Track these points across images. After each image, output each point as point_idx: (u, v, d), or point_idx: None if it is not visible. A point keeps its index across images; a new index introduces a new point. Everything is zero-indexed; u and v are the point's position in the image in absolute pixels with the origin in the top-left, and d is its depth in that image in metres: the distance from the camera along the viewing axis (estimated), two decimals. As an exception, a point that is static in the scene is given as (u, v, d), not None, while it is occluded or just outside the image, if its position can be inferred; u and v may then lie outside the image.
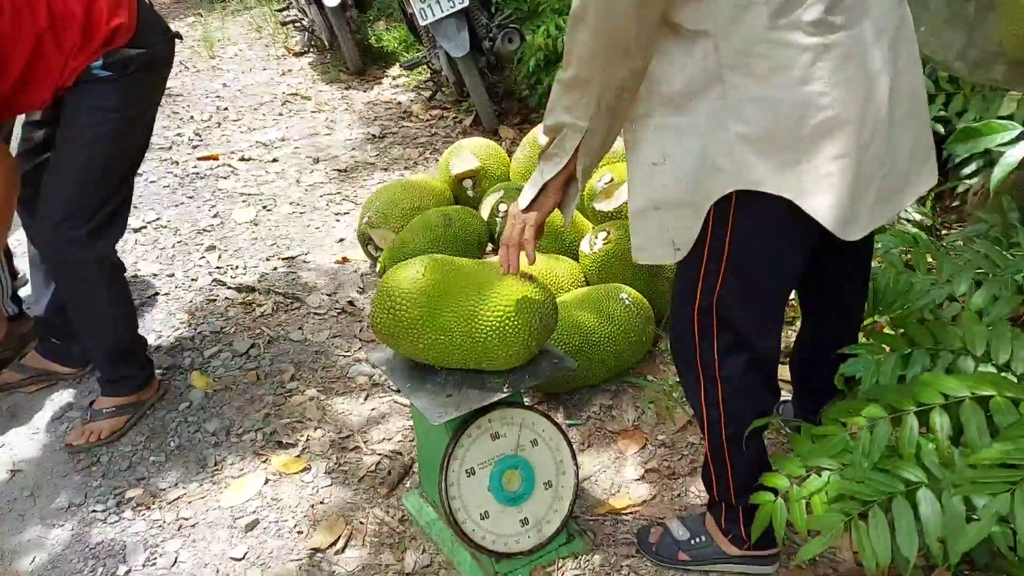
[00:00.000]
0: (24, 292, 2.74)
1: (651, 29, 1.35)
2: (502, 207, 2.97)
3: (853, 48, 1.33)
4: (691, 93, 1.38)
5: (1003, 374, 1.56)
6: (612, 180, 2.69)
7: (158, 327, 2.79)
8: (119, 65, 2.05)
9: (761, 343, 1.59)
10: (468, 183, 3.24)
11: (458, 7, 3.77)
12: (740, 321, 1.55)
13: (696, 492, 1.99)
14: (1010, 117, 2.17)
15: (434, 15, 3.75)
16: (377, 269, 2.94)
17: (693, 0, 1.32)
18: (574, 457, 1.86)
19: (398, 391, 2.39)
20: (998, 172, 2.04)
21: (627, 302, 2.36)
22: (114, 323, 2.25)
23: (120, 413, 2.30)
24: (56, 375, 2.53)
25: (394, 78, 5.20)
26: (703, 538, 1.79)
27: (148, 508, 2.06)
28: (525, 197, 1.59)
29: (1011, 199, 2.26)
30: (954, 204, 2.89)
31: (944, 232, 2.77)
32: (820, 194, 1.36)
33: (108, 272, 2.22)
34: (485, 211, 3.04)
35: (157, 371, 2.49)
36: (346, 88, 5.12)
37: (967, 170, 2.68)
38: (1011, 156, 2.01)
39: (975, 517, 1.28)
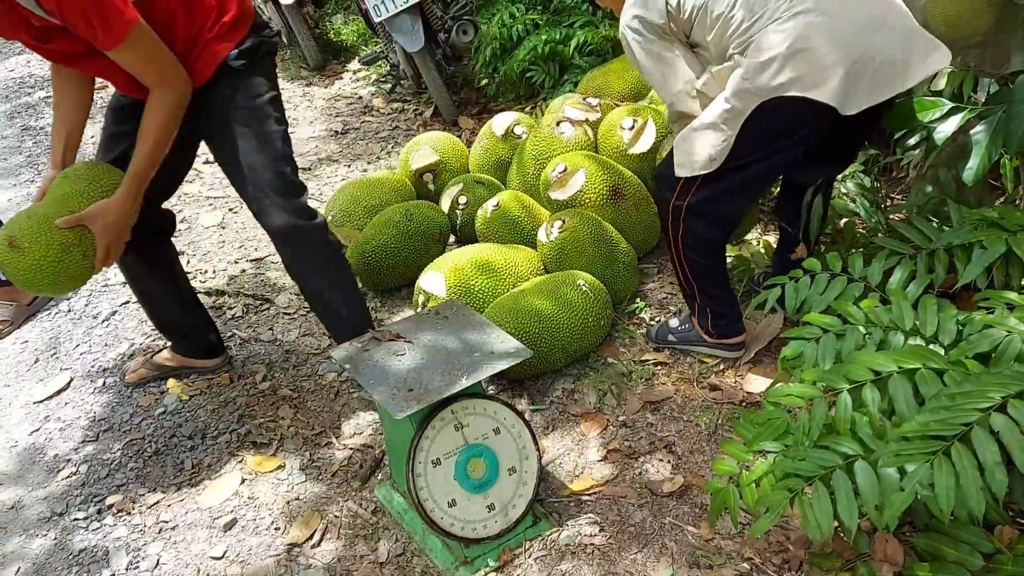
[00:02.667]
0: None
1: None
2: (462, 199, 3.03)
3: None
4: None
5: (931, 346, 1.66)
6: (566, 169, 2.75)
7: (130, 335, 2.83)
8: (250, 52, 2.06)
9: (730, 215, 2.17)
10: (428, 177, 3.30)
11: (411, 2, 3.80)
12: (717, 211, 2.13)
13: (655, 469, 2.08)
14: (940, 92, 2.26)
15: (388, 11, 3.79)
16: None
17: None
18: (536, 443, 1.94)
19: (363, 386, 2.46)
20: (932, 146, 2.13)
21: (584, 288, 2.44)
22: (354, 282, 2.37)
23: None
24: (193, 369, 2.60)
25: (354, 72, 5.22)
26: (688, 326, 2.42)
27: (128, 513, 2.12)
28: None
29: (947, 171, 2.35)
30: (900, 175, 2.99)
31: (889, 202, 2.87)
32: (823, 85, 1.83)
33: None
34: (445, 204, 3.10)
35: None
36: (307, 84, 5.14)
37: (911, 141, 2.78)
38: (943, 130, 2.10)
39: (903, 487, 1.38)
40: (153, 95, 1.94)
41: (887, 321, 1.71)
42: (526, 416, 2.12)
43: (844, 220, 2.62)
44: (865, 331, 1.72)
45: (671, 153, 2.11)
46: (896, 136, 2.74)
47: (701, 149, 1.99)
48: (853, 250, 2.16)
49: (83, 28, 1.77)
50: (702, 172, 2.02)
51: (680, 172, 2.06)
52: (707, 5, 1.93)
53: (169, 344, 2.59)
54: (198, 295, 2.58)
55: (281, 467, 2.23)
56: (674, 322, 2.47)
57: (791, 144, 1.97)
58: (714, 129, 1.96)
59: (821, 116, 1.87)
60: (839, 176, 2.66)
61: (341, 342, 2.08)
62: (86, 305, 3.03)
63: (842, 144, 2.18)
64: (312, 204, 3.62)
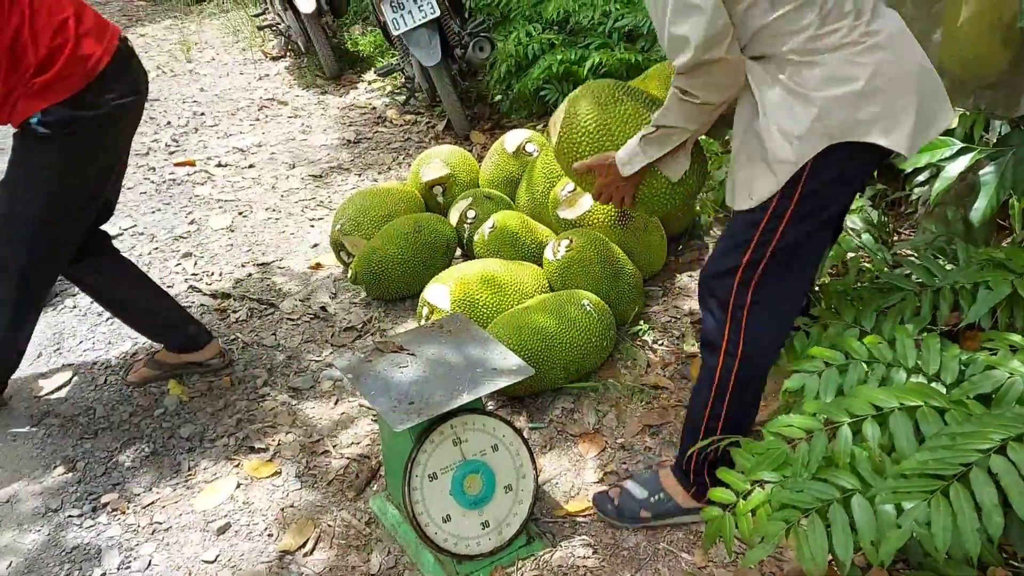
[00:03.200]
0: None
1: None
2: (470, 214, 3.05)
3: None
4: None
5: (933, 384, 1.66)
6: (575, 189, 2.77)
7: (133, 333, 2.84)
8: (57, 125, 1.99)
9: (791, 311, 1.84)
10: (438, 190, 3.32)
11: (430, 17, 3.83)
12: (783, 284, 1.77)
13: (651, 493, 2.08)
14: (952, 132, 2.28)
15: (406, 25, 3.82)
16: (349, 276, 3.00)
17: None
18: (533, 461, 1.94)
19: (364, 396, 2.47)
20: (939, 185, 2.14)
21: (588, 308, 2.45)
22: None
23: None
24: (195, 365, 2.61)
25: (369, 83, 5.25)
26: (662, 495, 1.98)
27: (123, 513, 2.12)
28: (628, 168, 1.82)
29: (955, 210, 2.36)
30: (908, 211, 3.00)
31: (897, 237, 2.88)
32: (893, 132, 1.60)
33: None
34: (454, 217, 3.11)
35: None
36: (322, 93, 5.17)
37: (920, 178, 2.79)
38: (951, 170, 2.11)
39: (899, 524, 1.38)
40: None
41: (890, 358, 1.71)
42: (524, 434, 2.12)
43: (851, 255, 2.62)
44: (867, 367, 1.73)
45: (717, 254, 1.80)
46: (906, 172, 2.76)
47: (762, 187, 1.67)
48: (857, 283, 2.16)
49: None
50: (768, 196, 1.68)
51: (740, 205, 1.72)
52: None
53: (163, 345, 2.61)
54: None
55: (277, 473, 2.23)
56: (638, 490, 2.01)
57: (850, 195, 1.80)
58: (767, 169, 1.65)
59: (878, 162, 1.72)
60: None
61: None
62: (91, 303, 3.03)
63: None
64: (321, 212, 3.67)
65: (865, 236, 2.56)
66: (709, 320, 1.84)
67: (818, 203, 1.67)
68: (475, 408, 1.90)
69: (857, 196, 2.50)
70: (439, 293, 2.55)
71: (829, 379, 1.74)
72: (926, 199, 2.60)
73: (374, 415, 2.42)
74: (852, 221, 2.80)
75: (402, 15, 3.85)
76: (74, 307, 3.02)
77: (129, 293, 2.47)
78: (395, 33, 3.90)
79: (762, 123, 1.63)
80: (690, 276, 2.97)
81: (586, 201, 2.74)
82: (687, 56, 1.58)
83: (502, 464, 1.92)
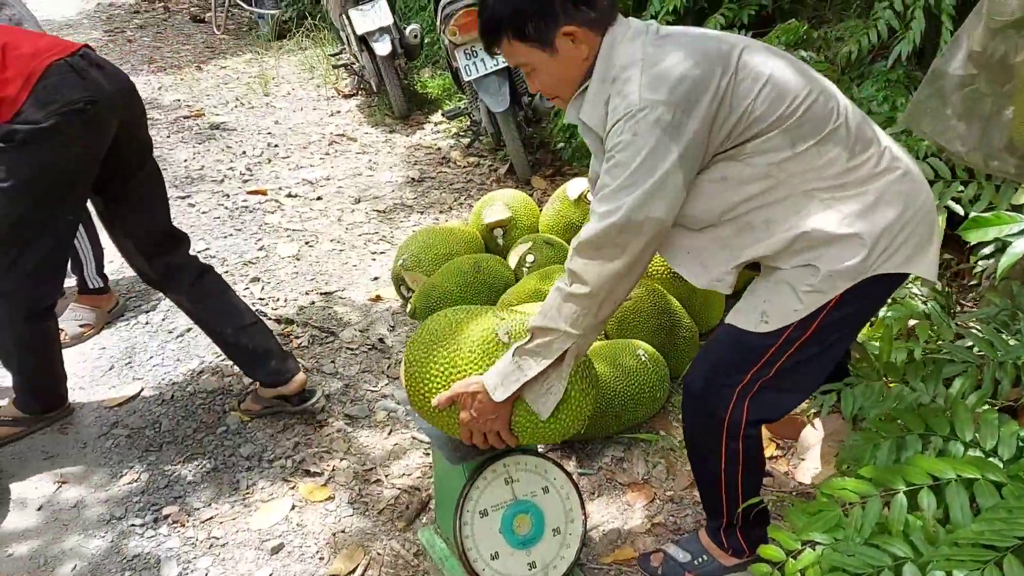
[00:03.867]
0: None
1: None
2: (529, 258, 3.11)
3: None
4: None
5: (990, 459, 1.66)
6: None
7: (202, 352, 2.96)
8: (5, 137, 2.10)
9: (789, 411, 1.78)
10: (499, 232, 3.40)
11: (501, 65, 3.96)
12: (783, 399, 1.72)
13: (698, 547, 2.08)
14: (1020, 208, 2.28)
15: (478, 72, 3.95)
16: (408, 310, 3.08)
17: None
18: (583, 506, 1.97)
19: (420, 430, 2.53)
20: (1005, 261, 2.14)
21: (643, 358, 2.48)
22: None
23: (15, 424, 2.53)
24: (282, 398, 2.60)
25: (436, 124, 5.41)
26: (705, 557, 1.95)
27: (183, 525, 2.20)
28: (500, 389, 1.62)
29: (1020, 285, 2.35)
30: (971, 283, 2.98)
31: (959, 309, 2.86)
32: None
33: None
34: (513, 260, 3.18)
35: (201, 394, 2.70)
36: (390, 131, 5.34)
37: (985, 251, 2.78)
38: (1018, 246, 2.11)
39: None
40: None
41: (947, 430, 1.71)
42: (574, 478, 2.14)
43: (914, 322, 2.61)
44: (925, 437, 1.73)
45: (714, 362, 1.72)
46: (970, 244, 2.75)
47: (781, 312, 1.61)
48: (916, 358, 2.16)
49: None
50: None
51: (746, 326, 1.65)
52: (797, 111, 1.56)
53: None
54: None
55: (331, 498, 2.29)
56: (681, 554, 1.98)
57: (867, 319, 1.75)
58: (792, 292, 1.59)
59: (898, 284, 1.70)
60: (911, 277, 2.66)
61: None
62: (163, 319, 3.17)
63: None
64: (383, 246, 3.78)
65: (931, 304, 2.55)
66: (701, 438, 1.78)
67: (837, 330, 1.64)
68: (529, 449, 1.94)
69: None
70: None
71: (886, 449, 1.74)
72: (991, 273, 2.58)
73: (427, 448, 2.47)
74: (916, 288, 2.80)
75: (474, 62, 3.98)
76: (146, 323, 3.16)
77: (213, 326, 2.54)
78: (466, 79, 4.04)
79: (798, 250, 1.58)
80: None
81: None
82: (610, 222, 1.49)
83: (552, 506, 1.95)
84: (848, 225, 1.55)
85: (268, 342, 2.56)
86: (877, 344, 2.36)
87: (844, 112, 1.61)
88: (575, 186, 3.34)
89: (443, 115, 5.16)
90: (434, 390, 1.74)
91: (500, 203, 3.44)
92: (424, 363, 1.78)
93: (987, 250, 2.76)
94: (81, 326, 3.06)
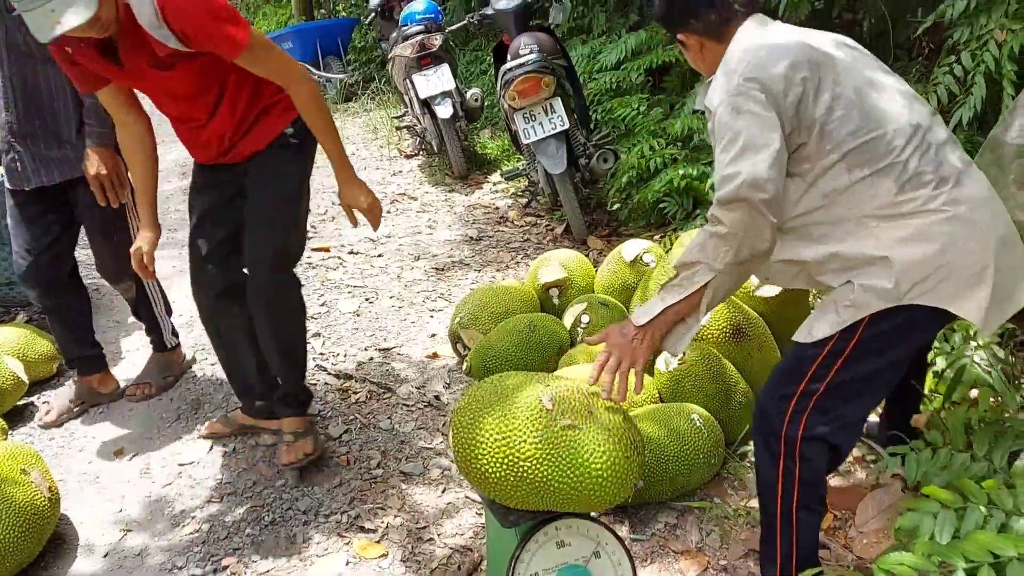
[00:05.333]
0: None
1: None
2: (584, 318, 3.15)
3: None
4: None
5: (1056, 537, 1.61)
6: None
7: (262, 406, 3.05)
8: (304, 131, 2.40)
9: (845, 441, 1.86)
10: (554, 292, 3.44)
11: (559, 129, 4.06)
12: (837, 416, 1.80)
13: (752, 619, 2.05)
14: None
15: (536, 135, 4.06)
16: (464, 368, 3.13)
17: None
18: (635, 572, 1.95)
19: (473, 489, 2.55)
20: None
21: (698, 423, 2.47)
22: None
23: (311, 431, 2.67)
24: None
25: (494, 184, 5.53)
26: None
27: (239, 577, 2.25)
28: (642, 314, 1.83)
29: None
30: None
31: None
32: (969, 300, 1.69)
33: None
34: (568, 320, 3.22)
35: (262, 447, 2.78)
36: (449, 191, 5.47)
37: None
38: (1084, 319, 2.07)
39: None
40: (292, 93, 2.30)
41: (1010, 505, 1.67)
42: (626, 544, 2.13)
43: (976, 391, 2.56)
44: (986, 512, 1.69)
45: (774, 379, 1.88)
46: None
47: (822, 325, 1.77)
48: (981, 424, 2.11)
49: (212, 42, 2.12)
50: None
51: (799, 338, 1.82)
52: (864, 134, 1.72)
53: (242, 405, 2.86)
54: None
55: (384, 555, 2.32)
56: None
57: (914, 345, 1.83)
58: (833, 309, 1.76)
59: (946, 322, 1.79)
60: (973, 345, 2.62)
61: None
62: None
63: None
64: (441, 303, 3.85)
65: (994, 373, 2.50)
66: (763, 457, 1.88)
67: (877, 348, 1.75)
68: (580, 513, 1.95)
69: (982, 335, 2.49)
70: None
71: (945, 522, 1.70)
72: (1058, 341, 2.52)
73: (479, 508, 2.49)
74: (980, 356, 2.74)
75: (532, 126, 4.09)
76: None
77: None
78: (525, 142, 4.14)
79: (838, 269, 1.76)
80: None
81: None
82: (733, 186, 1.68)
83: (603, 571, 1.94)
84: (882, 249, 1.70)
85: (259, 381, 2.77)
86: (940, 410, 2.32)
87: (908, 152, 1.72)
88: (630, 248, 3.38)
89: (502, 175, 5.28)
90: (481, 456, 1.77)
91: (556, 263, 3.49)
92: (472, 429, 1.81)
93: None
94: (164, 378, 3.19)
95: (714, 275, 1.74)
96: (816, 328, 1.78)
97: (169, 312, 3.25)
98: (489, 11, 4.74)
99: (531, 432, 1.75)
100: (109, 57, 2.21)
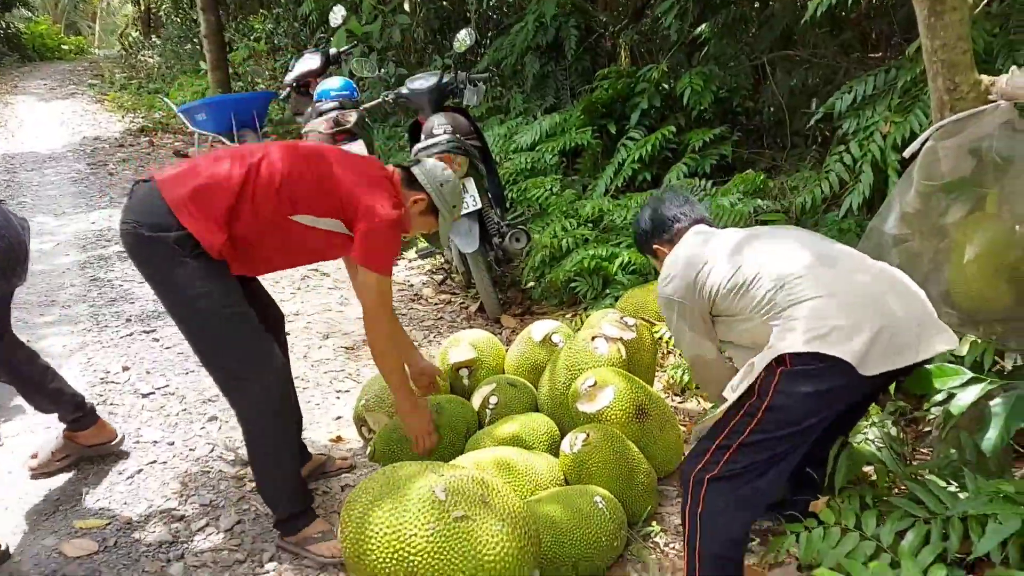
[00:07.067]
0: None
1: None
2: (492, 399, 3.11)
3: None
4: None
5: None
6: (595, 383, 2.83)
7: (150, 496, 2.87)
8: None
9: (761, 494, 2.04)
10: (464, 372, 3.41)
11: (471, 208, 4.09)
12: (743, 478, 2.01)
13: None
14: (962, 359, 2.33)
15: (448, 214, 4.07)
16: (368, 452, 3.04)
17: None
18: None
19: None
20: (951, 413, 2.17)
21: (600, 505, 2.44)
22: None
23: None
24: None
25: (409, 261, 5.51)
26: None
27: None
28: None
29: (967, 436, 2.37)
30: (926, 430, 3.00)
31: (914, 453, 2.86)
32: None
33: None
34: (476, 401, 3.18)
35: (145, 546, 2.60)
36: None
37: (937, 398, 2.82)
38: (962, 399, 2.15)
39: None
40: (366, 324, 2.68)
41: (900, 588, 1.69)
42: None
43: (872, 467, 2.61)
44: (876, 593, 1.70)
45: (699, 442, 2.17)
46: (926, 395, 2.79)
47: (742, 381, 2.09)
48: (869, 504, 2.15)
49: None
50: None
51: (725, 395, 2.12)
52: (736, 289, 2.23)
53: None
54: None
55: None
56: None
57: (823, 409, 2.01)
58: (743, 376, 2.09)
59: (853, 384, 1.96)
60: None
61: None
62: (111, 468, 3.09)
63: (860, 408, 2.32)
64: (348, 383, 3.76)
65: (884, 452, 2.56)
66: (682, 500, 2.11)
67: (787, 411, 1.97)
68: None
69: (875, 410, 2.58)
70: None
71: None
72: (939, 423, 2.61)
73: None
74: (872, 433, 2.81)
75: (445, 205, 4.11)
76: (93, 469, 3.07)
77: None
78: (437, 221, 4.15)
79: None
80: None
81: (605, 396, 2.80)
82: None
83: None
84: (789, 324, 2.07)
85: None
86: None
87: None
88: (539, 328, 3.39)
89: (417, 252, 5.27)
90: (371, 552, 1.70)
91: (466, 343, 3.46)
92: (361, 523, 1.75)
93: (939, 397, 2.81)
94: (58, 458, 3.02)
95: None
96: (738, 384, 2.07)
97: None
98: (404, 90, 4.81)
99: (423, 525, 1.69)
100: None
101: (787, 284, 2.11)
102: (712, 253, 2.36)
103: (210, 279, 2.41)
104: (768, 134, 5.76)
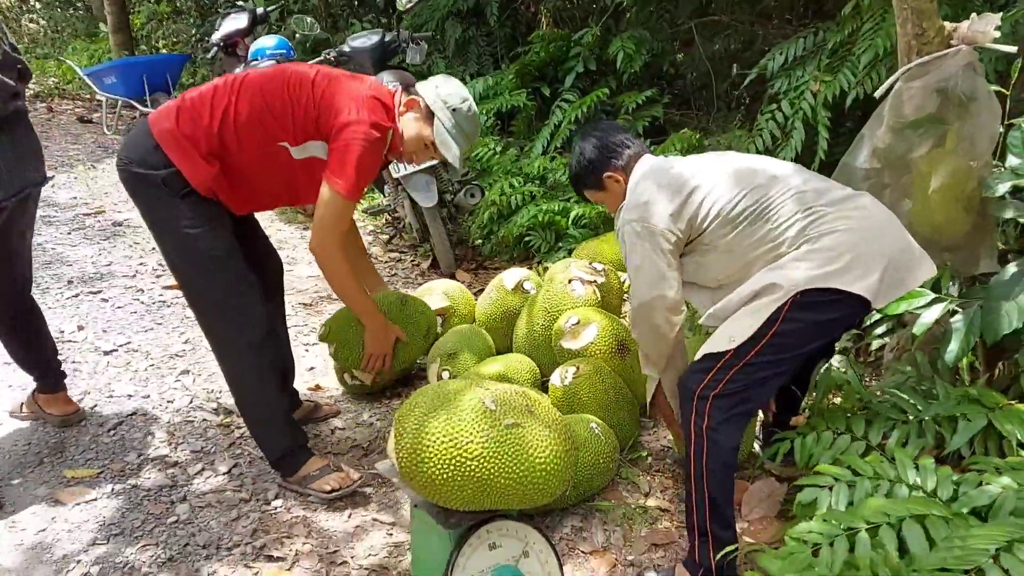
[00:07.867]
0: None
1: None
2: (444, 374, 3.15)
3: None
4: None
5: (932, 499, 1.87)
6: (578, 322, 2.99)
7: (138, 446, 2.85)
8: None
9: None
10: (438, 320, 3.50)
11: (429, 163, 4.15)
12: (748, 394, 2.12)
13: (666, 608, 2.18)
14: (925, 284, 2.61)
15: (407, 169, 4.13)
16: (319, 333, 3.17)
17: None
18: (561, 569, 2.04)
19: (381, 509, 2.54)
20: (917, 330, 2.44)
21: (596, 430, 2.61)
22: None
23: None
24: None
25: (361, 221, 5.51)
26: None
27: (141, 618, 2.10)
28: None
29: (923, 354, 2.66)
30: (870, 360, 3.31)
31: (864, 383, 3.16)
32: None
33: None
34: (432, 374, 3.21)
35: (144, 491, 2.60)
36: (305, 228, 5.39)
37: (879, 330, 3.11)
38: (927, 317, 2.41)
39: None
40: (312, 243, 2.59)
41: (893, 475, 1.92)
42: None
43: (843, 388, 2.88)
44: (873, 482, 1.93)
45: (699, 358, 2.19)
46: (865, 324, 3.08)
47: (740, 330, 2.10)
48: (849, 414, 2.40)
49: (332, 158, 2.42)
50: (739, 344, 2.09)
51: (718, 348, 2.12)
52: (743, 216, 2.16)
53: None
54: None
55: (298, 583, 2.25)
56: None
57: (823, 336, 2.13)
58: (754, 312, 2.09)
59: (851, 309, 2.07)
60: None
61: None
62: (92, 414, 3.04)
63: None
64: (314, 337, 3.79)
65: (850, 373, 2.83)
66: (683, 414, 2.21)
67: (794, 336, 2.07)
68: (508, 515, 2.01)
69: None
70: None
71: (839, 493, 1.93)
72: (894, 346, 2.90)
73: (389, 529, 2.47)
74: (836, 361, 3.08)
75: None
76: (80, 421, 3.01)
77: None
78: (395, 176, 4.20)
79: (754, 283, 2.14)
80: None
81: (589, 333, 2.95)
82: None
83: (532, 570, 2.01)
84: (788, 260, 2.12)
85: None
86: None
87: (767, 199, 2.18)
88: (511, 276, 3.51)
89: (364, 212, 5.27)
90: (429, 459, 1.80)
91: (439, 292, 3.55)
92: (417, 434, 1.84)
93: (880, 329, 3.10)
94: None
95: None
96: (736, 334, 2.10)
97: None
98: (347, 48, 4.78)
99: (477, 432, 1.81)
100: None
101: (810, 213, 2.10)
102: (700, 178, 2.24)
103: (198, 221, 2.41)
104: (695, 97, 6.03)
